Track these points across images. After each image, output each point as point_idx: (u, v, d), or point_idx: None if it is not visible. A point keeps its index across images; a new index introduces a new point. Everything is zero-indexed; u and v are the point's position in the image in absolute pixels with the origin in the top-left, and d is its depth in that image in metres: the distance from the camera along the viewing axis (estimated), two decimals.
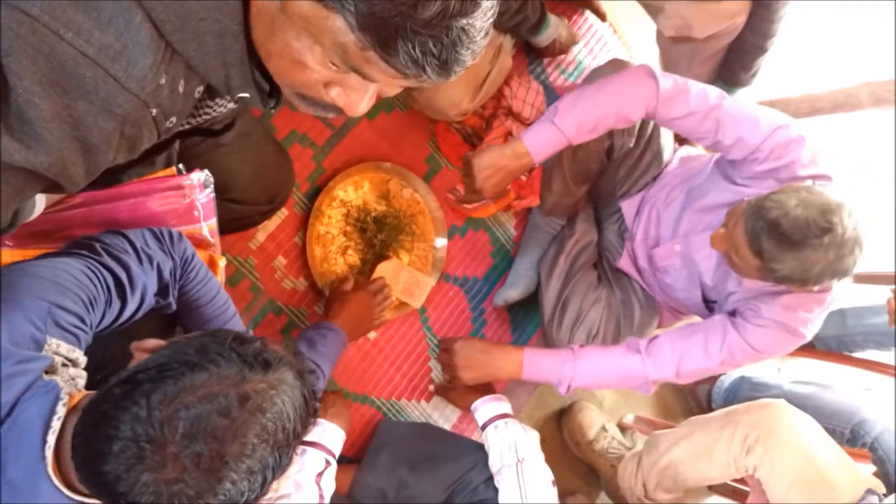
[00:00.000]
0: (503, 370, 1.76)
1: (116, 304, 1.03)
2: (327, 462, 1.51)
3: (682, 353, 1.67)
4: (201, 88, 0.95)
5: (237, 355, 0.80)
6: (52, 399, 0.83)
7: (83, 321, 0.93)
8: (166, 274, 1.14)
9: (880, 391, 2.22)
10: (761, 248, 1.38)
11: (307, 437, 1.52)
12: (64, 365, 0.90)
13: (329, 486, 1.49)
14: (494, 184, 1.67)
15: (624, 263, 1.94)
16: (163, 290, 1.14)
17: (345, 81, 0.88)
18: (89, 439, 0.77)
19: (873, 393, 2.19)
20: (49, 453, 0.81)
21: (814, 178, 1.52)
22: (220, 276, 1.36)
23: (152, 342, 0.87)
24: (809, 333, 1.61)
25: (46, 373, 0.86)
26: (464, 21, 0.78)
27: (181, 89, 0.89)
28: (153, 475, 0.74)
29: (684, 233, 1.74)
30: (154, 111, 0.86)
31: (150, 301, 1.11)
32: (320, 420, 1.56)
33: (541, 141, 1.61)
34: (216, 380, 0.77)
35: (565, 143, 1.60)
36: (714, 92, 1.58)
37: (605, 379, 1.77)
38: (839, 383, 2.21)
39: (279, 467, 0.81)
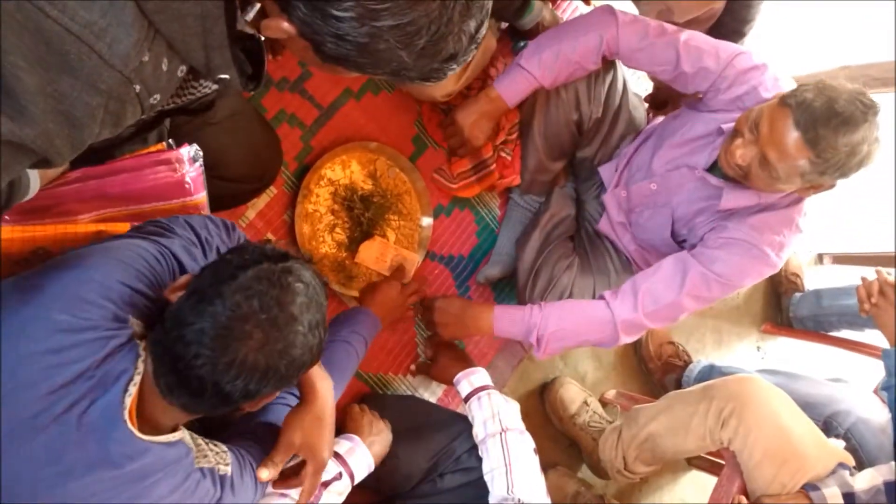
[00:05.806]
0: (476, 326, 1.81)
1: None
2: (342, 475, 1.44)
3: (644, 289, 1.68)
4: (184, 68, 0.96)
5: (262, 253, 0.99)
6: (135, 356, 1.00)
7: (153, 303, 1.07)
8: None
9: (851, 382, 2.25)
10: (817, 136, 1.37)
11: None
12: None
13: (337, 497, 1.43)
14: (480, 131, 1.81)
15: (604, 225, 1.98)
16: None
17: None
18: (173, 345, 0.94)
19: (844, 384, 2.21)
20: (129, 401, 0.97)
21: None
22: None
23: (183, 279, 1.04)
24: (777, 259, 1.62)
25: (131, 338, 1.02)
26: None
27: (164, 67, 0.90)
28: (244, 347, 0.93)
29: (659, 172, 1.77)
30: (137, 87, 0.87)
31: None
32: (356, 438, 1.52)
33: (509, 82, 1.74)
34: (260, 269, 0.97)
35: (534, 82, 1.72)
36: (670, 26, 1.66)
37: (574, 327, 1.74)
38: (808, 373, 2.23)
39: (324, 326, 1.03)
